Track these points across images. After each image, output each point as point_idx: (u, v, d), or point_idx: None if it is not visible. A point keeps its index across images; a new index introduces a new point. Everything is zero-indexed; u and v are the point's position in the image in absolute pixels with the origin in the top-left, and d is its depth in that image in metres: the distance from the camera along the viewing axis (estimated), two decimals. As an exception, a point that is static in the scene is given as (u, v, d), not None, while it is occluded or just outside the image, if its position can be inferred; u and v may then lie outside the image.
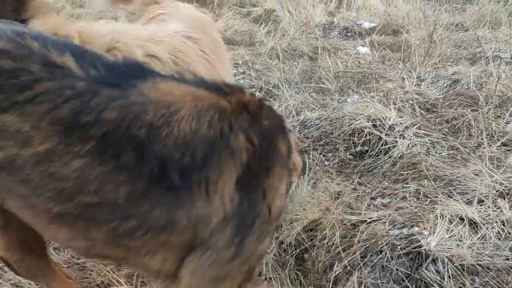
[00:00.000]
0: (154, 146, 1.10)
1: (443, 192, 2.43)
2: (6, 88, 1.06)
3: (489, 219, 2.19)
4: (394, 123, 2.84)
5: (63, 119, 1.06)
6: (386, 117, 2.86)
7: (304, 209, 2.35)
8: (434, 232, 2.06)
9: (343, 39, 5.41)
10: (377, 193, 2.57)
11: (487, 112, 3.16)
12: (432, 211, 2.24)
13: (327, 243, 2.11)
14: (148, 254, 1.24)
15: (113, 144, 1.08)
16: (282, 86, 3.81)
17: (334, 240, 2.10)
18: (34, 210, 1.17)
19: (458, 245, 2.02)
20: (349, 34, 5.64)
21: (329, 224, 2.27)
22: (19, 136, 1.06)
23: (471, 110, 3.20)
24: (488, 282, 1.87)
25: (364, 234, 2.10)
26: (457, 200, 2.32)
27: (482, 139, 2.87)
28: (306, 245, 2.14)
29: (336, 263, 2.01)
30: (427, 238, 2.01)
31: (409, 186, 2.50)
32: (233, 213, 1.22)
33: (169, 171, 1.12)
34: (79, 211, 1.12)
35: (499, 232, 2.12)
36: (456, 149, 2.81)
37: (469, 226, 2.15)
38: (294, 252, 2.12)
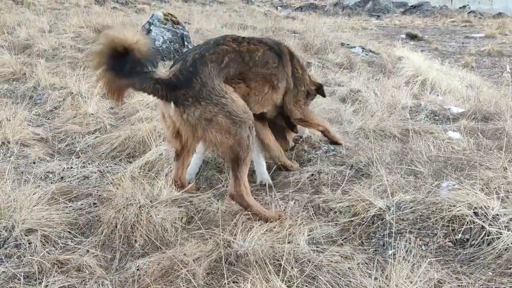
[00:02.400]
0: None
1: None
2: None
3: None
4: (498, 213, 2.78)
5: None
6: (489, 206, 2.82)
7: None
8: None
9: (431, 123, 5.44)
10: (481, 285, 2.49)
11: None
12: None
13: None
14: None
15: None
16: (373, 165, 3.89)
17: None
18: (259, 76, 3.39)
19: None
20: (437, 117, 5.66)
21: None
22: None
23: None
24: None
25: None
26: None
27: None
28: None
29: None
30: None
31: (517, 281, 2.41)
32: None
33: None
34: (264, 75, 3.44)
35: None
36: None
37: None
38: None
